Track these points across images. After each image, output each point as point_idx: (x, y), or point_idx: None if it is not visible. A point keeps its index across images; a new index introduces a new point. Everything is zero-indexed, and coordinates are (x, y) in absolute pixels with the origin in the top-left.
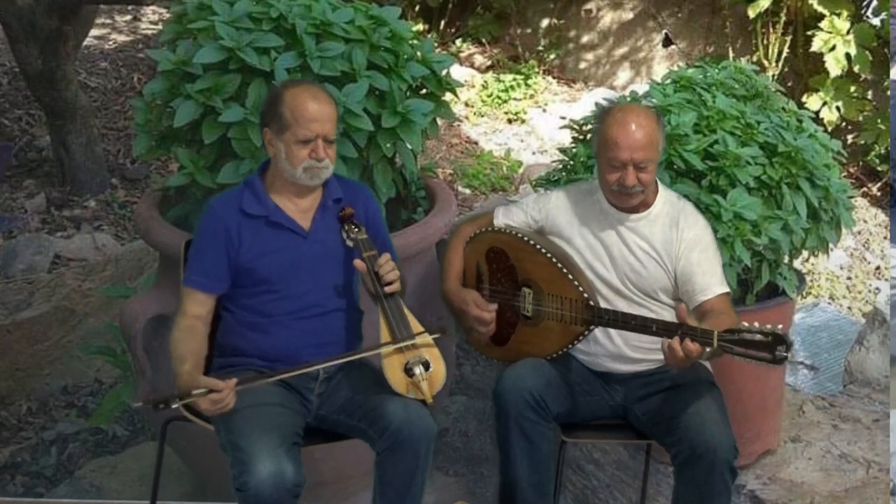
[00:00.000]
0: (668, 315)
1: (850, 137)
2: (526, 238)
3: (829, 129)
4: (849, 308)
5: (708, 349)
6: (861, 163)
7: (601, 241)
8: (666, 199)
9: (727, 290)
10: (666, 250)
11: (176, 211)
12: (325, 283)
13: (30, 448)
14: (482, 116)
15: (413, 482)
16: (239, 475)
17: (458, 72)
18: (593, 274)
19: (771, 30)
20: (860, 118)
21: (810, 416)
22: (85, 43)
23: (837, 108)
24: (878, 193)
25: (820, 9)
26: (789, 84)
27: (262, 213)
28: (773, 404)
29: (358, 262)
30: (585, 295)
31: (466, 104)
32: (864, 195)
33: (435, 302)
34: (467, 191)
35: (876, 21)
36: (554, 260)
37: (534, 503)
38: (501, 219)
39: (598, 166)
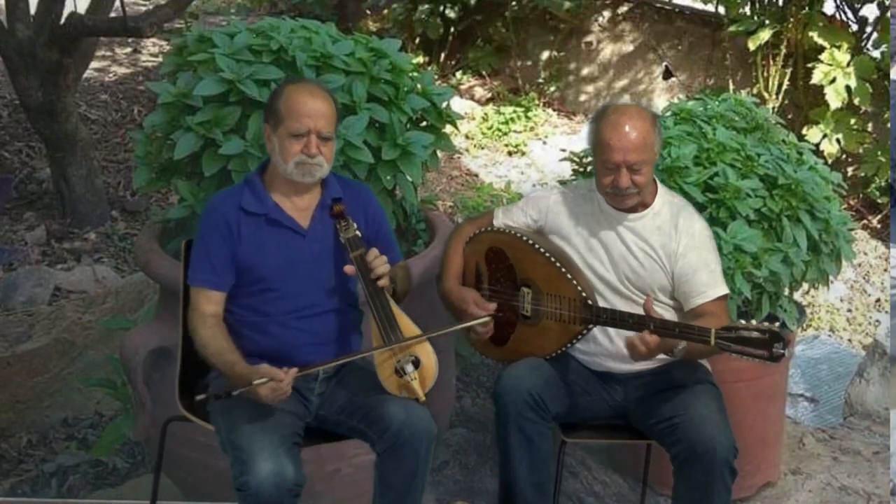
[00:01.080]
0: (667, 314)
1: (850, 170)
2: (525, 238)
3: (830, 161)
4: (849, 340)
5: (681, 346)
6: (861, 195)
7: (600, 241)
8: (665, 199)
9: (724, 291)
10: (664, 250)
11: (176, 243)
12: (323, 282)
13: (30, 480)
14: (482, 149)
15: (413, 483)
16: (239, 475)
17: (458, 104)
18: (592, 273)
19: (771, 62)
20: (860, 150)
21: (811, 448)
22: (85, 75)
23: (838, 141)
24: (879, 226)
25: (820, 41)
26: (789, 116)
27: (261, 211)
28: (773, 437)
29: (347, 267)
30: (584, 294)
31: (467, 136)
32: (865, 227)
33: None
34: None
35: (876, 53)
36: (552, 259)
37: (534, 503)
38: (501, 219)
39: (594, 168)
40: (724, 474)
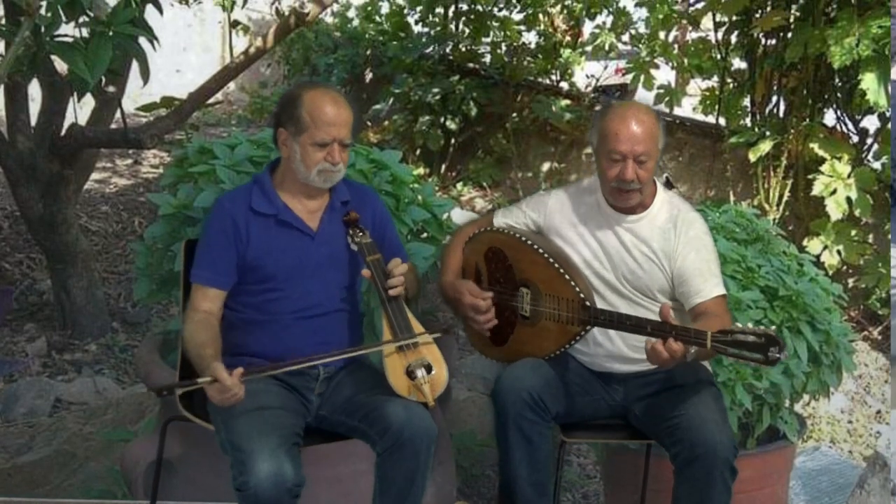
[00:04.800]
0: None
1: (850, 281)
2: (524, 238)
3: (830, 272)
4: (850, 452)
5: (693, 349)
6: (862, 306)
7: (599, 242)
8: (664, 201)
9: (723, 292)
10: (664, 251)
11: (177, 355)
12: (329, 283)
13: None
14: None
15: (414, 483)
16: (238, 475)
17: (459, 215)
18: (592, 273)
19: (772, 173)
20: (861, 262)
21: None
22: (86, 186)
23: (838, 252)
24: (879, 337)
25: (821, 153)
26: (790, 228)
27: (271, 212)
28: None
29: (365, 272)
30: (582, 295)
31: None
32: (865, 339)
33: (443, 440)
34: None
35: (877, 165)
36: (551, 260)
37: (534, 503)
38: (501, 219)
39: (597, 164)
40: (724, 474)
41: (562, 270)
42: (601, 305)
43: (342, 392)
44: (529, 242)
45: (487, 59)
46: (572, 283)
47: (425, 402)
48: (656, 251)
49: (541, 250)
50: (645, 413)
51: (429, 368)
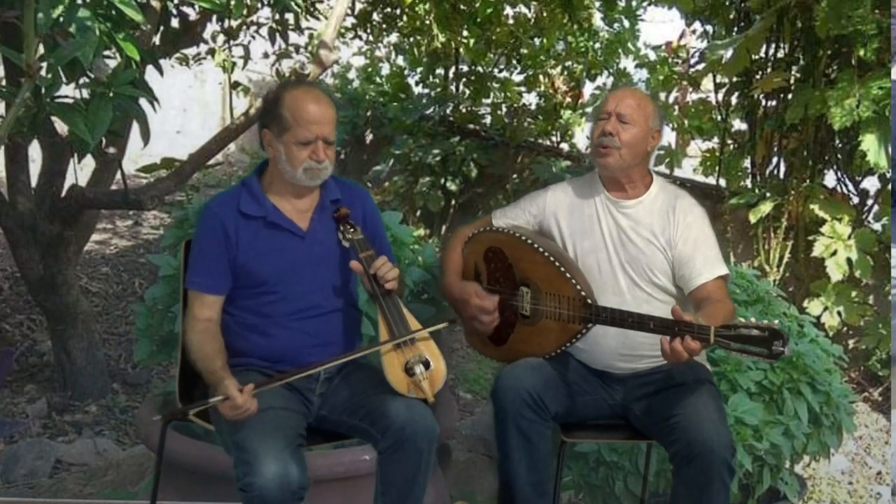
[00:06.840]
0: (669, 300)
1: (851, 342)
2: (523, 237)
3: (831, 333)
4: None
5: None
6: (862, 368)
7: (598, 229)
8: (661, 187)
9: (724, 272)
10: (663, 235)
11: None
12: (323, 283)
13: None
14: None
15: (415, 481)
16: (243, 476)
17: None
18: (593, 261)
19: (772, 235)
20: (861, 323)
21: None
22: (86, 248)
23: (839, 313)
24: (880, 398)
25: (821, 214)
26: (790, 289)
27: (259, 214)
28: None
29: (354, 264)
30: (583, 293)
31: None
32: (866, 400)
33: (439, 488)
34: (468, 395)
35: (877, 226)
36: (551, 259)
37: (533, 503)
38: (500, 219)
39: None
40: (722, 473)
41: (562, 269)
42: (605, 294)
43: (343, 392)
44: (529, 241)
45: (488, 120)
46: (573, 281)
47: (425, 398)
48: (656, 234)
49: (541, 249)
50: (644, 412)
51: (427, 364)
